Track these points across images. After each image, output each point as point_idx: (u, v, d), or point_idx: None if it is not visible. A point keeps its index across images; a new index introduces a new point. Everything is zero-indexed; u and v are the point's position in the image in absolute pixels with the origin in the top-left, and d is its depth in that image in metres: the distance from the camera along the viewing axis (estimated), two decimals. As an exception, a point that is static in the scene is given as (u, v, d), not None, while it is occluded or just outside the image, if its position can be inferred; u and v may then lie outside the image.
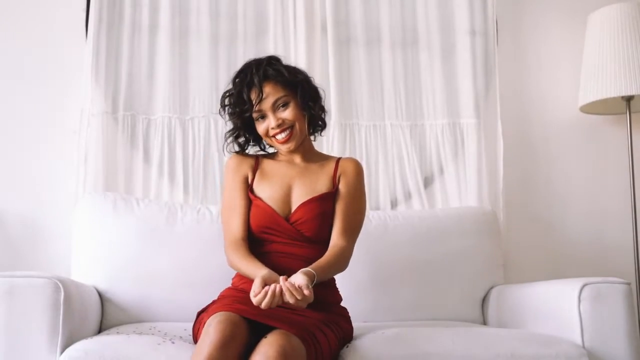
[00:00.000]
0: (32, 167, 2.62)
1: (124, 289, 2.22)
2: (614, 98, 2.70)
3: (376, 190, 2.73)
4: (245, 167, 2.00)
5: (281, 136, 1.93)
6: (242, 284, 1.88)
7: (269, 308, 1.59)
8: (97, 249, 2.26)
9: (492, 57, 2.82)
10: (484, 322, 2.44)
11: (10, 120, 2.63)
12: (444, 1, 2.82)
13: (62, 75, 2.66)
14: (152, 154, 2.62)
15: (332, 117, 2.69)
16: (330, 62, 2.72)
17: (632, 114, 2.78)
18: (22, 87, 2.64)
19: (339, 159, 2.04)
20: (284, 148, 1.96)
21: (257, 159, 2.04)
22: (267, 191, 1.95)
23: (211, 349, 1.51)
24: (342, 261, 1.86)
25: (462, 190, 2.74)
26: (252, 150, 2.07)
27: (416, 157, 2.75)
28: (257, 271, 1.72)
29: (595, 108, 2.82)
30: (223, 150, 2.05)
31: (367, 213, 2.44)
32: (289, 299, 1.58)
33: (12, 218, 2.59)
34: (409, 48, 2.81)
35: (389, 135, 2.75)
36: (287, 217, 1.91)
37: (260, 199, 1.93)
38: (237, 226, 1.91)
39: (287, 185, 1.96)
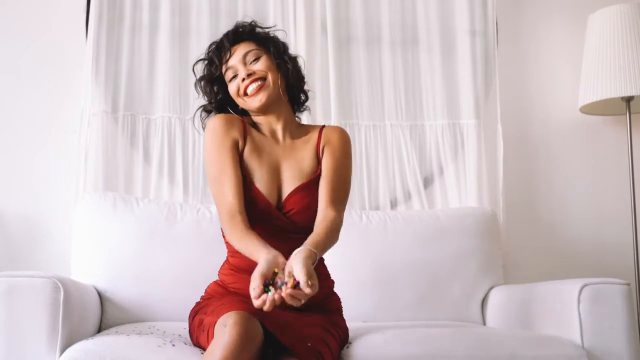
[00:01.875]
0: (32, 166, 2.62)
1: (123, 289, 2.22)
2: (614, 99, 2.70)
3: (376, 190, 2.73)
4: (235, 130, 1.81)
5: (251, 88, 1.79)
6: (232, 283, 1.81)
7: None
8: (97, 249, 2.26)
9: (492, 57, 2.82)
10: (484, 323, 2.44)
11: (10, 119, 2.63)
12: (444, 1, 2.82)
13: (62, 75, 2.66)
14: (152, 154, 2.62)
15: (332, 117, 2.69)
16: (330, 62, 2.72)
17: (632, 115, 2.77)
18: (22, 86, 2.65)
19: (322, 128, 1.91)
20: (255, 102, 1.80)
21: (244, 122, 1.86)
22: (256, 171, 1.80)
23: (226, 353, 1.43)
24: (335, 233, 1.75)
25: (462, 191, 2.74)
26: None
27: (416, 157, 2.75)
28: (257, 255, 1.58)
29: (595, 109, 2.82)
30: (193, 122, 1.93)
31: (367, 214, 2.45)
32: (293, 304, 1.49)
33: (11, 217, 2.59)
34: (409, 48, 2.81)
35: (389, 135, 2.75)
36: (277, 204, 1.80)
37: (251, 181, 1.79)
38: (232, 196, 1.74)
39: (275, 166, 1.83)
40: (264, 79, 1.81)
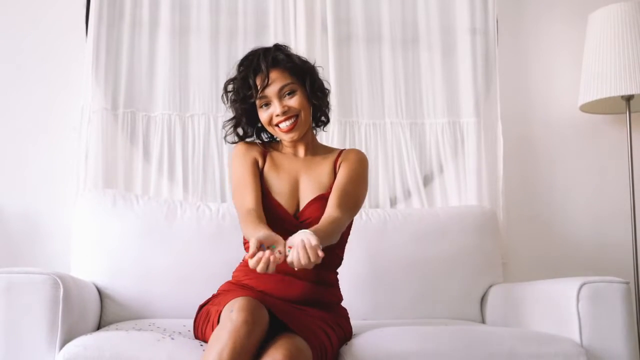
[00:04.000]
0: (32, 163, 2.62)
1: (123, 286, 2.22)
2: (614, 97, 2.70)
3: (376, 188, 2.72)
4: (255, 152, 1.94)
5: (285, 124, 1.86)
6: (246, 277, 1.84)
7: (265, 272, 1.52)
8: (97, 246, 2.27)
9: (492, 56, 2.82)
10: (483, 321, 2.44)
11: (10, 117, 2.63)
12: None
13: (63, 73, 2.65)
14: (151, 151, 2.62)
15: (332, 115, 2.69)
16: (330, 60, 2.72)
17: (631, 114, 2.78)
18: (22, 84, 2.64)
19: (342, 150, 2.00)
20: (287, 137, 1.89)
21: (264, 147, 1.98)
22: (275, 184, 1.90)
23: (234, 338, 1.45)
24: (336, 231, 1.76)
25: (462, 189, 2.74)
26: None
27: (416, 155, 2.75)
28: (258, 233, 1.62)
29: (595, 107, 2.82)
30: (224, 139, 2.00)
31: (367, 212, 2.45)
32: (302, 259, 1.50)
33: (11, 214, 2.58)
34: (409, 46, 2.81)
35: (389, 133, 2.75)
36: (295, 214, 1.87)
37: (270, 193, 1.88)
38: (249, 201, 1.82)
39: (294, 179, 1.91)
40: (296, 116, 1.87)
